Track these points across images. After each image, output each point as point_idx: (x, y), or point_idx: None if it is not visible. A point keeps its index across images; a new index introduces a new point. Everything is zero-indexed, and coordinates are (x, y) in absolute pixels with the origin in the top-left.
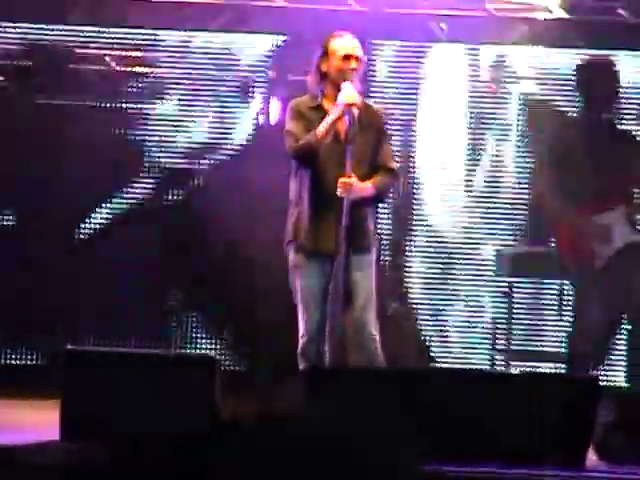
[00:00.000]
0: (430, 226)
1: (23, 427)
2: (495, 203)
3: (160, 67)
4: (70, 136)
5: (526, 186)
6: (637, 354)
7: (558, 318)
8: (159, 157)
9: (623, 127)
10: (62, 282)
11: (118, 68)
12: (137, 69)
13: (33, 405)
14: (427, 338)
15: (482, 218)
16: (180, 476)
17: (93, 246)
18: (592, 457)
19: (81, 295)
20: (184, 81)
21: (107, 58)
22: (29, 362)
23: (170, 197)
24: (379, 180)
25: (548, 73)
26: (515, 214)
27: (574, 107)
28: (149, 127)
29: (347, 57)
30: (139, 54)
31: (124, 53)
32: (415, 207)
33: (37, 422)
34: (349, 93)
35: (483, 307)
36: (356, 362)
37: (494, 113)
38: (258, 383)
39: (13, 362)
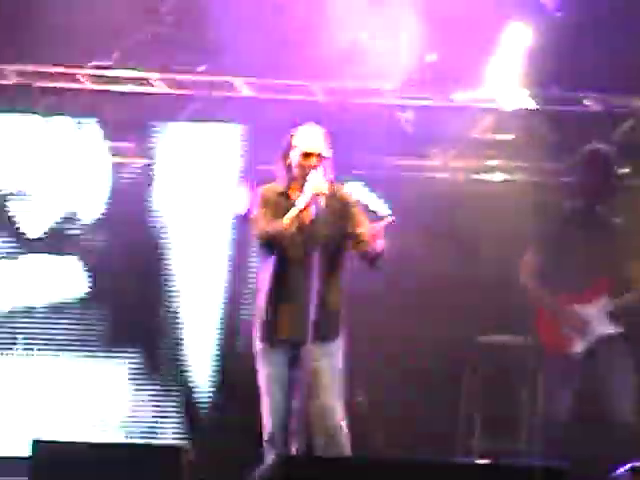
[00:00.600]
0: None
1: None
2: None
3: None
4: None
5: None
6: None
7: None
8: None
9: (616, 220)
10: None
11: None
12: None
13: None
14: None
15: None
16: None
17: None
18: None
19: None
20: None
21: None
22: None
23: None
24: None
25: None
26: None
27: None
28: None
29: (307, 155)
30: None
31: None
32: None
33: None
34: (315, 183)
35: (454, 397)
36: (321, 448)
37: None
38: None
39: None
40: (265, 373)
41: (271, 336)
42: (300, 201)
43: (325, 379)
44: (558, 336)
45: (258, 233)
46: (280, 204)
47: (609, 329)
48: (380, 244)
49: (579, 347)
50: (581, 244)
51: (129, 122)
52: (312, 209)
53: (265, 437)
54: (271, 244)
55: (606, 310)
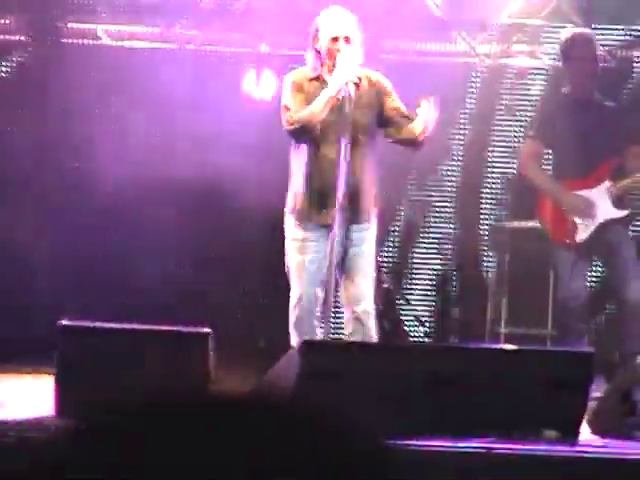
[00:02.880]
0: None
1: (19, 402)
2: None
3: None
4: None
5: (511, 160)
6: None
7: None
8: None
9: (611, 104)
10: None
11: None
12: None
13: (30, 380)
14: (421, 313)
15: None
16: (170, 448)
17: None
18: (585, 431)
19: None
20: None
21: (99, 32)
22: (26, 336)
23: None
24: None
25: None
26: (501, 189)
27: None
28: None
29: (335, 39)
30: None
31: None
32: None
33: (33, 397)
34: (344, 69)
35: (476, 283)
36: (349, 333)
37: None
38: (255, 355)
39: (10, 335)
40: (297, 259)
41: (305, 222)
42: (330, 86)
43: (360, 263)
44: (562, 223)
45: (290, 119)
46: (312, 89)
47: (614, 212)
48: (428, 128)
49: (585, 233)
50: (579, 129)
51: None
52: (343, 93)
53: (292, 323)
54: (303, 131)
55: (609, 193)
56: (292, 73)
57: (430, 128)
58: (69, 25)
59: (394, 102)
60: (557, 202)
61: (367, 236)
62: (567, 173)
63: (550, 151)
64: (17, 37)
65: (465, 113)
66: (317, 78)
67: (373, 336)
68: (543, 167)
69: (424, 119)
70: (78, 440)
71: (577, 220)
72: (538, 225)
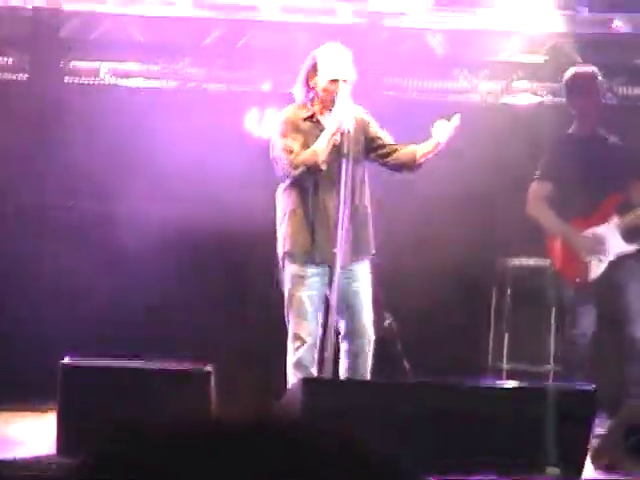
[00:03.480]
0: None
1: (21, 441)
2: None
3: None
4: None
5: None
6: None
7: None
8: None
9: (615, 140)
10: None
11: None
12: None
13: (31, 419)
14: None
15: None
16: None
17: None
18: (589, 468)
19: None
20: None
21: (102, 72)
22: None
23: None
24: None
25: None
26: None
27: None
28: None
29: (335, 81)
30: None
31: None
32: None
33: (35, 436)
34: (343, 109)
35: (478, 320)
36: (346, 370)
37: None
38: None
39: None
40: (302, 296)
41: (306, 258)
42: (331, 125)
43: (363, 299)
44: (573, 263)
45: (293, 163)
46: (309, 129)
47: (625, 247)
48: (440, 145)
49: (597, 271)
50: (584, 167)
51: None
52: (343, 131)
53: (292, 362)
54: (308, 173)
55: (619, 229)
56: (284, 113)
57: (442, 145)
58: (71, 64)
59: (375, 129)
60: (567, 242)
61: (365, 272)
62: (574, 211)
63: (557, 190)
64: (18, 76)
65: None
66: (311, 117)
67: (368, 371)
68: (551, 206)
69: (439, 137)
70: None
71: (589, 259)
72: (540, 263)
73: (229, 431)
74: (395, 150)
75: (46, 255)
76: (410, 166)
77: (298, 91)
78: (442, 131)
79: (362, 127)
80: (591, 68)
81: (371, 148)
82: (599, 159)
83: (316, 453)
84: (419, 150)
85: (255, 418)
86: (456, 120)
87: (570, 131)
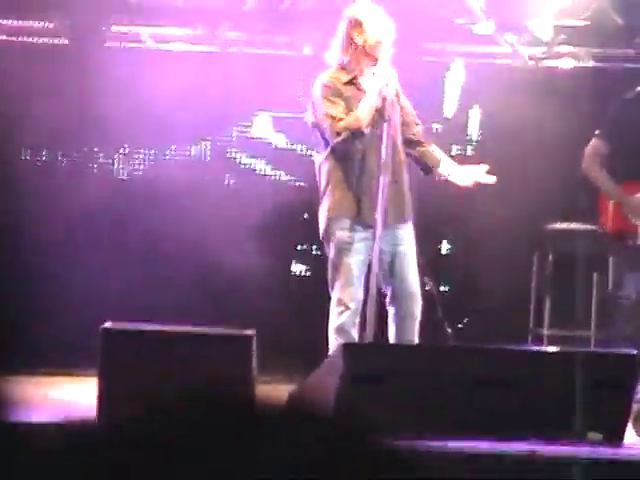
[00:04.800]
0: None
1: (61, 404)
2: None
3: None
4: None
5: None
6: None
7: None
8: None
9: None
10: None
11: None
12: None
13: (73, 383)
14: (463, 316)
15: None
16: (213, 455)
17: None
18: (630, 433)
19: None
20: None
21: (143, 36)
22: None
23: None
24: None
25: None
26: (560, 191)
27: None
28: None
29: (380, 42)
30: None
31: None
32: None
33: (75, 400)
34: (385, 73)
35: (521, 285)
36: (394, 334)
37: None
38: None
39: (54, 338)
40: (349, 262)
41: (353, 224)
42: (372, 91)
43: (410, 262)
44: (622, 223)
45: (336, 129)
46: (351, 93)
47: None
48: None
49: None
50: None
51: None
52: (382, 98)
53: (336, 326)
54: (353, 138)
55: None
56: (324, 77)
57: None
58: (112, 28)
59: (403, 102)
60: (619, 204)
61: (410, 233)
62: (630, 174)
63: (615, 151)
64: (59, 40)
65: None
66: (351, 82)
67: (416, 335)
68: (605, 166)
69: (463, 179)
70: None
71: (638, 222)
72: (581, 226)
73: (264, 419)
74: (418, 143)
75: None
76: (426, 171)
77: (336, 53)
78: (469, 176)
79: (401, 103)
80: None
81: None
82: None
83: (347, 448)
84: (442, 166)
85: (292, 403)
86: (485, 177)
87: (637, 90)
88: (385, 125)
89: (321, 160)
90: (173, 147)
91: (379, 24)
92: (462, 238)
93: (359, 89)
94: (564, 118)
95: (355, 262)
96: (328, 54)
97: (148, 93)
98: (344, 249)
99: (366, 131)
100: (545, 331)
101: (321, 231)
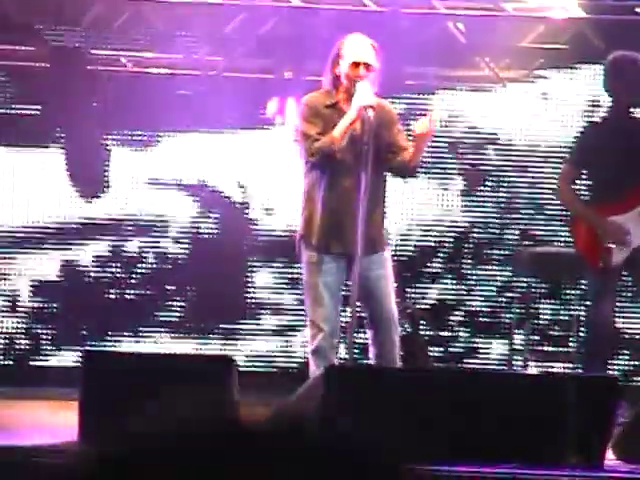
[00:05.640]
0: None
1: (42, 428)
2: (513, 201)
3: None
4: None
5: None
6: None
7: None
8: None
9: None
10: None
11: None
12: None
13: (52, 406)
14: (442, 339)
15: (501, 215)
16: (196, 476)
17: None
18: (610, 457)
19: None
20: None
21: (123, 59)
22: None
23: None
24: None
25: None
26: (533, 213)
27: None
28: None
29: (356, 64)
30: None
31: (139, 54)
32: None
33: (56, 423)
34: (364, 95)
35: (499, 307)
36: (377, 357)
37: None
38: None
39: (35, 363)
40: (317, 282)
41: (325, 246)
42: (350, 114)
43: (383, 285)
44: (597, 248)
45: (310, 149)
46: (330, 116)
47: None
48: (420, 156)
49: (619, 257)
50: (616, 154)
51: None
52: (361, 121)
53: (312, 349)
54: (324, 159)
55: None
56: (307, 98)
57: (428, 138)
58: (93, 52)
59: (399, 132)
60: (591, 227)
61: (386, 260)
62: (601, 198)
63: (586, 176)
64: (40, 64)
65: (487, 139)
66: (333, 105)
67: (397, 358)
68: (578, 190)
69: (420, 132)
70: (100, 466)
71: (611, 245)
72: (562, 250)
73: (249, 436)
74: (401, 153)
75: None
76: (405, 173)
77: (325, 79)
78: (423, 126)
79: (387, 123)
80: (633, 54)
81: (388, 148)
82: (632, 146)
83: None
84: (409, 155)
85: (274, 420)
86: (436, 113)
87: (605, 115)
88: (364, 149)
89: (302, 177)
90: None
91: (355, 48)
92: (443, 258)
93: (340, 114)
94: (546, 141)
95: (324, 283)
96: (323, 79)
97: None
98: (312, 269)
99: (338, 155)
100: (527, 353)
101: (296, 248)
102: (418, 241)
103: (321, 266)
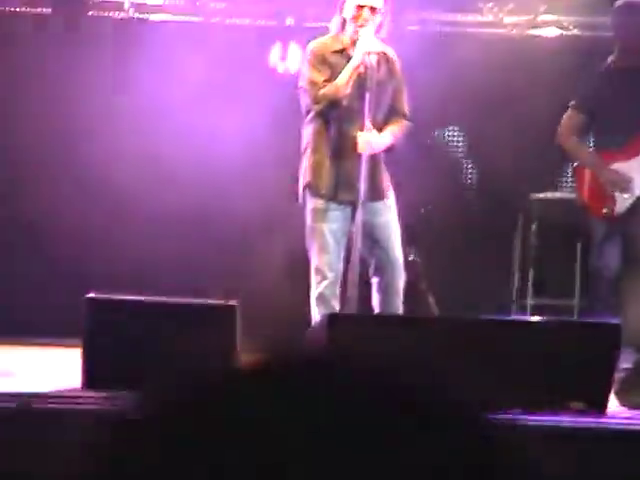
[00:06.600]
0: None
1: (45, 375)
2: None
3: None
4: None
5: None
6: None
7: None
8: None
9: None
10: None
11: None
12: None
13: (56, 353)
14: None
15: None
16: (198, 423)
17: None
18: (613, 403)
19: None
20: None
21: (126, 4)
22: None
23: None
24: (397, 130)
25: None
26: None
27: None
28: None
29: (361, 7)
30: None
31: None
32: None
33: (59, 370)
34: (367, 41)
35: (503, 255)
36: (380, 304)
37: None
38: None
39: (38, 310)
40: (323, 229)
41: (332, 194)
42: (353, 60)
43: (388, 232)
44: (600, 196)
45: (316, 97)
46: (337, 62)
47: None
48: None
49: (623, 206)
50: (621, 100)
51: None
52: (364, 67)
53: (314, 297)
54: (330, 107)
55: None
56: (314, 43)
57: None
58: None
59: (399, 92)
60: (594, 174)
61: (390, 207)
62: (606, 144)
63: (590, 122)
64: (40, 9)
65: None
66: (341, 52)
67: (400, 306)
68: (581, 137)
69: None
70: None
71: (615, 193)
72: (565, 195)
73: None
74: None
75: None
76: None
77: (333, 23)
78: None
79: (392, 74)
80: None
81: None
82: (637, 93)
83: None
84: (396, 124)
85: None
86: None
87: (611, 62)
88: (367, 96)
89: (305, 124)
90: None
91: None
92: (445, 209)
93: (347, 60)
94: (548, 88)
95: (330, 229)
96: (331, 23)
97: (130, 61)
98: (318, 216)
99: (344, 102)
100: (529, 301)
101: (299, 196)
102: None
103: (328, 213)
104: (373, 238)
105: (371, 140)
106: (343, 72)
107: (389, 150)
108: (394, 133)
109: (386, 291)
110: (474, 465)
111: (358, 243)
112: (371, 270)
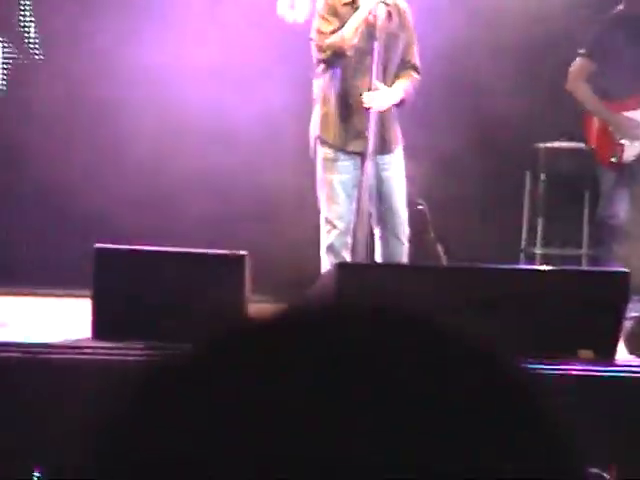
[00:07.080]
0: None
1: (56, 325)
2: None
3: None
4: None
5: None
6: None
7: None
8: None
9: None
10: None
11: None
12: None
13: (67, 303)
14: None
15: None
16: (208, 374)
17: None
18: (622, 352)
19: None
20: None
21: None
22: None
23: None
24: (408, 84)
25: None
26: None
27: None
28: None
29: None
30: None
31: None
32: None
33: (70, 320)
34: None
35: (511, 204)
36: (384, 256)
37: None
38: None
39: (47, 259)
40: (333, 180)
41: (341, 144)
42: (360, 10)
43: (396, 188)
44: (609, 144)
45: (321, 46)
46: (347, 13)
47: None
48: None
49: (631, 153)
50: (631, 48)
51: None
52: (373, 18)
53: (324, 247)
54: (335, 57)
55: None
56: None
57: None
58: None
59: (409, 46)
60: (603, 122)
61: (397, 161)
62: (615, 92)
63: (600, 69)
64: None
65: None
66: (351, 3)
67: (404, 256)
68: (591, 85)
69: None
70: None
71: (623, 141)
72: (572, 145)
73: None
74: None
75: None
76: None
77: None
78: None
79: (403, 27)
80: None
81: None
82: None
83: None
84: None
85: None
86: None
87: (622, 8)
88: (376, 46)
89: (315, 75)
90: None
91: None
92: (453, 159)
93: (356, 8)
94: (553, 36)
95: (339, 180)
96: None
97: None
98: (329, 167)
99: (349, 52)
100: (537, 250)
101: (310, 148)
102: None
103: (337, 163)
104: (377, 190)
105: (378, 98)
106: (349, 21)
107: (400, 104)
108: (405, 87)
109: (387, 243)
110: (493, 403)
111: (365, 194)
112: (373, 221)
